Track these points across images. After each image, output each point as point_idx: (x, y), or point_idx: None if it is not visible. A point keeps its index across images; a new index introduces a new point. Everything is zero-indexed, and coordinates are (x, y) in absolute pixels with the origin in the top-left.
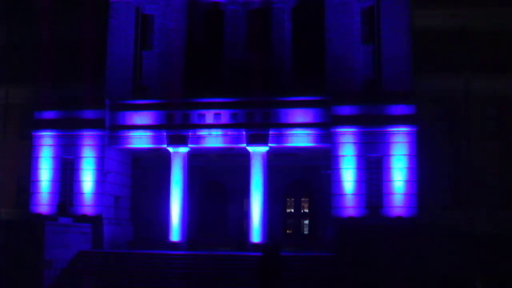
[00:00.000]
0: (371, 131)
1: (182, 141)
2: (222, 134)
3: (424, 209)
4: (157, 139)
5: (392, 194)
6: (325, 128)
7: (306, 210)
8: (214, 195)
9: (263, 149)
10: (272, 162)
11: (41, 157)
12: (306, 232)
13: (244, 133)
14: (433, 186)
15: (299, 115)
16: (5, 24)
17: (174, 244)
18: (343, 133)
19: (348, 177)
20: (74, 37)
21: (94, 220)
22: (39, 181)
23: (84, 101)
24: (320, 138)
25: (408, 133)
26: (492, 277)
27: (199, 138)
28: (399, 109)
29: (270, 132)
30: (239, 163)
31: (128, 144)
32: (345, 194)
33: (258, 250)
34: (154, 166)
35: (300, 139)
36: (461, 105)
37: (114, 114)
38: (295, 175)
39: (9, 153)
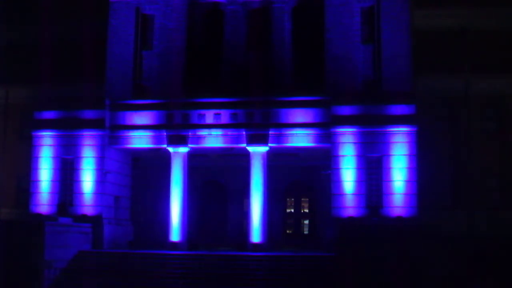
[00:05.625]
0: (371, 131)
1: (182, 141)
2: (222, 134)
3: (424, 209)
4: (157, 139)
5: (392, 194)
6: (325, 128)
7: (306, 210)
8: (214, 195)
9: (263, 149)
10: (272, 162)
11: (41, 157)
12: (306, 232)
13: (244, 133)
14: (433, 186)
15: (299, 115)
16: (5, 24)
17: (174, 244)
18: (343, 133)
19: (348, 177)
20: (74, 37)
21: (94, 220)
22: (39, 181)
23: (84, 101)
24: (320, 138)
25: (408, 133)
26: (492, 277)
27: (199, 138)
28: (399, 109)
29: (270, 132)
30: (239, 163)
31: (128, 144)
32: (345, 194)
33: (258, 250)
34: (154, 166)
35: (300, 139)
36: (461, 105)
37: (114, 114)
38: (295, 175)
39: (9, 153)
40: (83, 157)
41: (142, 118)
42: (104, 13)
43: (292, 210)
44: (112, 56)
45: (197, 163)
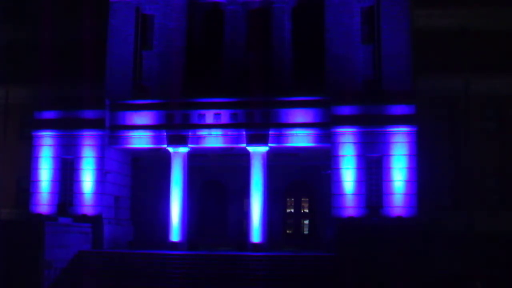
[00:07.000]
0: (371, 131)
1: (182, 141)
2: (222, 134)
3: (424, 209)
4: (157, 139)
5: (392, 194)
6: (325, 128)
7: (306, 210)
8: (214, 195)
9: (263, 149)
10: (272, 162)
11: (41, 157)
12: (306, 232)
13: (244, 133)
14: (433, 186)
15: (299, 115)
16: (5, 24)
17: (174, 244)
18: (343, 133)
19: (348, 177)
20: (74, 37)
21: (94, 220)
22: (39, 181)
23: (84, 101)
24: (320, 138)
25: (408, 133)
26: (492, 277)
27: (199, 138)
28: (399, 109)
29: (270, 132)
30: (239, 163)
31: (128, 144)
32: (345, 194)
33: (258, 250)
34: (154, 166)
35: (300, 139)
36: (461, 105)
37: (114, 114)
38: (295, 175)
39: (9, 153)
40: (83, 157)
41: (142, 118)
42: (104, 13)
43: (292, 210)
44: (112, 56)
45: (197, 163)
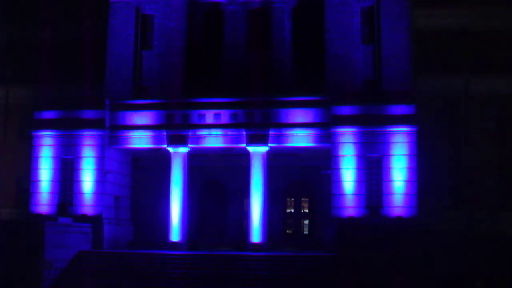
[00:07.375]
0: (371, 131)
1: (182, 141)
2: (222, 134)
3: (424, 209)
4: (157, 139)
5: (392, 194)
6: (325, 128)
7: (306, 210)
8: (214, 195)
9: (263, 149)
10: (272, 162)
11: (41, 157)
12: (306, 232)
13: (244, 133)
14: (433, 186)
15: (299, 115)
16: (5, 24)
17: (174, 244)
18: (343, 133)
19: (348, 177)
20: (74, 37)
21: (94, 220)
22: (39, 181)
23: (84, 101)
24: (320, 138)
25: (408, 133)
26: (492, 277)
27: (199, 138)
28: (399, 109)
29: (270, 132)
30: (239, 163)
31: (128, 144)
32: (345, 194)
33: (258, 250)
34: (154, 166)
35: (300, 139)
36: (461, 105)
37: (114, 114)
38: (295, 175)
39: (9, 153)
40: (83, 157)
41: (142, 118)
42: (104, 13)
43: (292, 210)
44: (112, 56)
45: (197, 163)
